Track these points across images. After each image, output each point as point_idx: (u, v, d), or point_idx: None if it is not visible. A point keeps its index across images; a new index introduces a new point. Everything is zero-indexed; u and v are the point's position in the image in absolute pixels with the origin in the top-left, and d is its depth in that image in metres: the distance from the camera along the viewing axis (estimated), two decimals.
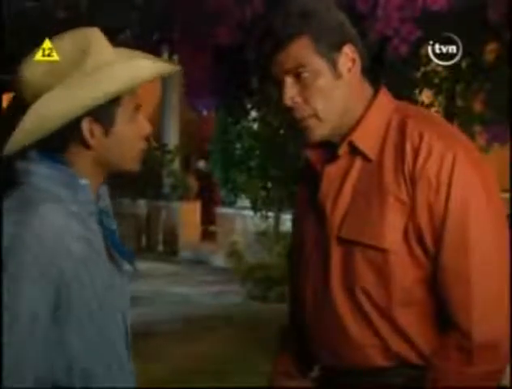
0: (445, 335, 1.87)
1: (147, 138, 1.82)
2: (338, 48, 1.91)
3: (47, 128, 1.69)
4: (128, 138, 1.78)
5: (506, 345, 1.85)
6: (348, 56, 1.92)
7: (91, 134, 1.73)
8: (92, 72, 1.71)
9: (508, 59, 5.92)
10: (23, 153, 1.73)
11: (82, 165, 1.75)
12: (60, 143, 1.73)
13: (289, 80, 1.91)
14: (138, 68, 1.76)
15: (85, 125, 1.72)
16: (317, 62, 1.90)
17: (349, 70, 1.93)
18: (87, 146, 1.74)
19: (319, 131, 1.94)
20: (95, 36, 1.76)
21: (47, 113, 1.68)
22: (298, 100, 1.91)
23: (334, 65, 1.91)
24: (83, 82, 1.70)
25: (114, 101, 1.73)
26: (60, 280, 1.64)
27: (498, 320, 1.84)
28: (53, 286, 1.64)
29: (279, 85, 1.92)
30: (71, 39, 1.75)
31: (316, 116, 1.92)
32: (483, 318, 1.83)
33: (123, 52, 1.80)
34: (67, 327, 1.66)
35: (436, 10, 5.13)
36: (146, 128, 1.82)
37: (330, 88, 1.91)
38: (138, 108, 1.80)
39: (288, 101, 1.92)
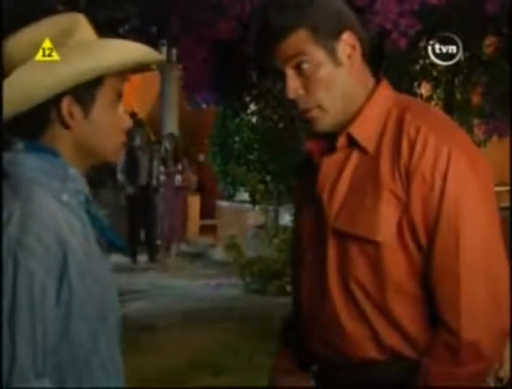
0: (436, 332, 1.86)
1: (126, 133, 1.81)
2: (336, 36, 1.91)
3: (26, 99, 1.66)
4: (107, 126, 1.76)
5: (495, 345, 1.84)
6: (348, 43, 1.92)
7: (71, 114, 1.71)
8: (75, 49, 1.70)
9: (507, 52, 5.93)
10: (5, 143, 1.72)
11: (62, 150, 1.73)
12: (38, 123, 1.71)
13: (291, 73, 1.91)
14: (122, 48, 1.76)
15: (65, 104, 1.70)
16: (317, 52, 1.89)
17: (349, 56, 1.92)
18: (65, 127, 1.72)
19: (324, 122, 1.93)
20: (79, 21, 1.75)
21: (26, 84, 1.66)
22: (301, 92, 1.91)
23: (333, 53, 1.90)
24: (65, 57, 1.68)
25: (96, 81, 1.72)
26: (63, 268, 1.63)
27: (487, 319, 1.82)
28: (57, 271, 1.63)
29: (281, 79, 1.92)
30: (56, 22, 1.74)
31: (320, 106, 1.92)
32: (471, 316, 1.81)
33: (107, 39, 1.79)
34: (71, 314, 1.65)
35: (434, 4, 5.14)
36: (125, 120, 1.81)
37: (332, 77, 1.91)
38: (119, 97, 1.78)
39: (291, 94, 1.91)
